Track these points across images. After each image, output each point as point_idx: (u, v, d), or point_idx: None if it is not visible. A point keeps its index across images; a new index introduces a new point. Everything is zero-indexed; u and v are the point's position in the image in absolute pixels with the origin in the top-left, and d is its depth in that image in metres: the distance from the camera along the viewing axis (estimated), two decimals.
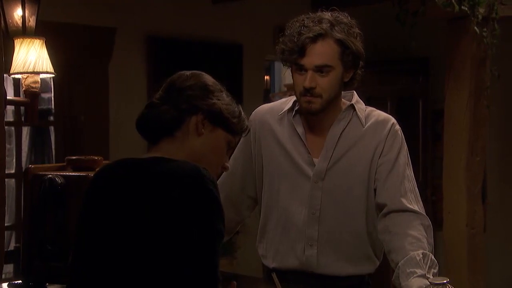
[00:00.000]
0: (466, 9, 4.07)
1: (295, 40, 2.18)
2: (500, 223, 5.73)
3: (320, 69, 2.19)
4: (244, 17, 5.27)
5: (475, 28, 4.14)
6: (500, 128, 5.73)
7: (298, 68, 2.22)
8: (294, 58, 2.20)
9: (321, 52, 2.18)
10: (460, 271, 4.30)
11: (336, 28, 2.19)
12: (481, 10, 4.13)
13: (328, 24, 2.19)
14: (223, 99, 1.80)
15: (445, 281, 1.85)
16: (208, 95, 1.78)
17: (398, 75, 5.90)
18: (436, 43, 5.02)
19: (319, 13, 2.24)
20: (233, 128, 1.82)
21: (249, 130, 1.89)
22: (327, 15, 2.23)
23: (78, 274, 1.70)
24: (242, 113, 1.86)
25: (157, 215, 1.58)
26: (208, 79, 1.82)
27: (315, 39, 2.17)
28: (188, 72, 1.82)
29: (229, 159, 1.89)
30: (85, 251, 1.69)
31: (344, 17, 2.24)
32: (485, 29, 4.21)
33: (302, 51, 2.18)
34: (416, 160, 5.55)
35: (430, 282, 1.91)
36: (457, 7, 4.01)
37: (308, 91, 2.20)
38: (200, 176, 1.62)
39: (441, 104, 4.71)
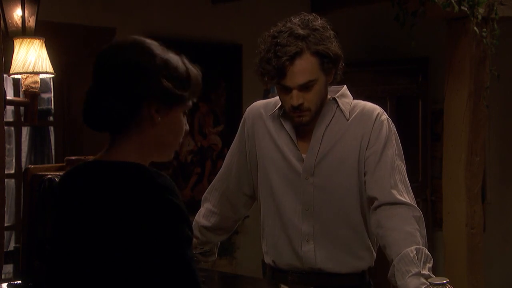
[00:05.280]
0: (466, 9, 4.07)
1: (273, 64, 2.15)
2: (500, 223, 5.73)
3: (305, 86, 2.18)
4: (244, 17, 5.27)
5: (475, 28, 4.14)
6: (500, 128, 5.73)
7: (283, 88, 2.20)
8: (276, 80, 2.18)
9: (301, 71, 2.15)
10: (460, 271, 4.30)
11: (310, 39, 2.15)
12: (481, 10, 4.13)
13: (302, 38, 2.15)
14: (169, 72, 1.61)
15: (444, 281, 1.85)
16: (151, 76, 1.59)
17: (398, 75, 5.89)
18: (436, 43, 5.02)
19: (289, 25, 2.19)
20: (187, 98, 1.65)
21: (200, 83, 1.69)
22: (298, 25, 2.18)
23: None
24: (190, 70, 1.66)
25: (120, 234, 1.53)
26: (141, 51, 1.61)
27: (292, 59, 2.14)
28: (121, 55, 1.62)
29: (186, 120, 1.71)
30: (55, 266, 1.66)
31: (314, 20, 2.20)
32: (484, 29, 4.21)
33: (282, 73, 2.16)
34: (415, 160, 5.56)
35: (429, 283, 1.91)
36: (456, 8, 4.01)
37: (297, 108, 2.20)
38: (155, 186, 1.54)
39: (440, 104, 4.71)
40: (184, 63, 1.66)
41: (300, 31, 2.16)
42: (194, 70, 1.67)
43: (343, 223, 2.27)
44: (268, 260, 2.39)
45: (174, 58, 1.65)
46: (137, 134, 1.62)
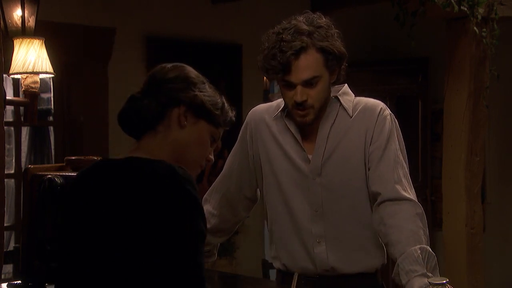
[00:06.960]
0: (466, 9, 4.07)
1: (278, 58, 2.15)
2: (500, 223, 5.73)
3: (309, 82, 2.17)
4: (244, 17, 5.28)
5: (475, 28, 4.14)
6: (500, 128, 5.73)
7: (286, 84, 2.20)
8: (280, 76, 2.18)
9: (306, 66, 2.15)
10: (460, 271, 4.30)
11: (315, 35, 2.16)
12: (481, 11, 4.12)
13: (307, 34, 2.15)
14: (206, 91, 1.78)
15: (444, 281, 1.85)
16: (190, 87, 1.75)
17: (398, 75, 5.90)
18: (436, 43, 5.02)
19: (293, 22, 2.19)
20: (216, 119, 1.80)
21: (233, 123, 1.87)
22: (302, 22, 2.18)
23: (65, 280, 1.70)
24: (226, 104, 1.83)
25: (136, 219, 1.57)
26: (190, 71, 1.80)
27: (297, 54, 2.14)
28: (169, 65, 1.80)
29: (213, 152, 1.85)
30: (70, 258, 1.68)
31: (319, 19, 2.21)
32: (484, 29, 4.21)
33: (287, 69, 2.15)
34: (415, 160, 5.56)
35: (429, 282, 1.90)
36: (456, 8, 4.01)
37: (300, 105, 2.19)
38: (176, 176, 1.59)
39: (440, 104, 4.71)
40: (221, 97, 1.82)
41: (305, 27, 2.16)
42: (229, 106, 1.84)
43: (353, 221, 2.25)
44: (278, 265, 2.36)
45: (211, 87, 1.82)
46: (164, 135, 1.72)
